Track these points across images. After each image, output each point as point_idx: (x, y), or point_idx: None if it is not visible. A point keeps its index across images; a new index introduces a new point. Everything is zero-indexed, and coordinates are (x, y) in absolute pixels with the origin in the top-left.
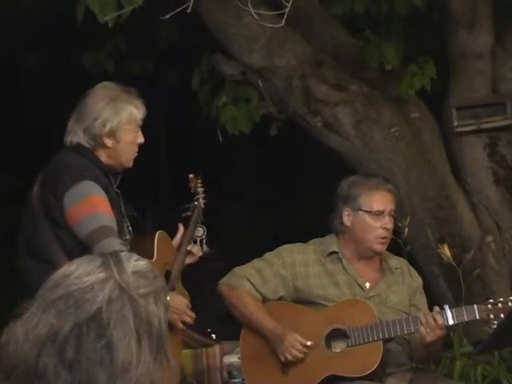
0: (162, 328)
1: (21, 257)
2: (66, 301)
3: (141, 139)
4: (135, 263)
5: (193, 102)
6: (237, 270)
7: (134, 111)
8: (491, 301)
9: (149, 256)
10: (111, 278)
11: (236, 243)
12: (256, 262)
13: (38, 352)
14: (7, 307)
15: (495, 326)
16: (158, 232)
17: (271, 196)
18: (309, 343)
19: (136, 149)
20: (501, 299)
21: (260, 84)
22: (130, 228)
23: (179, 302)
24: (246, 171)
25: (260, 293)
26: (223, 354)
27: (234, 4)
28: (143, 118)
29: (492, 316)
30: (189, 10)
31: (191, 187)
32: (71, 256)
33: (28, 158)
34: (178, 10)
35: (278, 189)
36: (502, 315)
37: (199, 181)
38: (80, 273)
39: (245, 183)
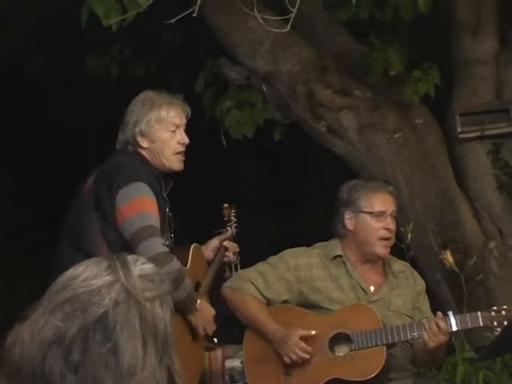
0: (167, 332)
1: (62, 247)
2: (72, 303)
3: (183, 139)
4: (141, 267)
5: (197, 106)
6: (241, 273)
7: (162, 112)
8: (495, 308)
9: (183, 264)
10: (118, 282)
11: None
12: (260, 266)
13: (44, 354)
14: (9, 310)
15: (498, 333)
16: (194, 244)
17: (273, 201)
18: (313, 332)
19: (178, 148)
20: (504, 306)
21: (264, 88)
22: (172, 235)
23: (208, 310)
24: (247, 176)
25: (264, 296)
26: (225, 357)
27: (238, 8)
28: (181, 119)
29: (495, 323)
30: (194, 15)
31: (225, 215)
32: (114, 252)
33: (29, 160)
34: (183, 14)
35: (280, 194)
36: (505, 322)
37: (233, 211)
38: (87, 276)
39: (246, 188)
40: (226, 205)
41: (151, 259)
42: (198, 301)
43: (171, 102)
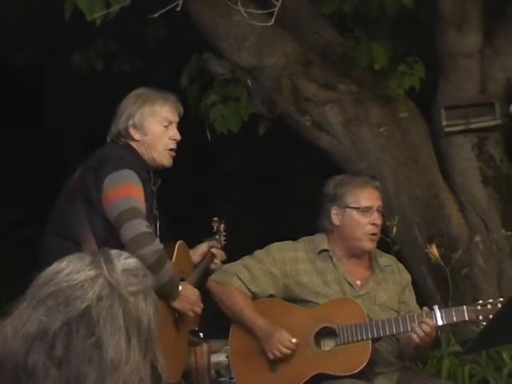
0: (151, 326)
1: (48, 237)
2: (55, 298)
3: (175, 135)
4: (125, 261)
5: (182, 101)
6: (226, 266)
7: (156, 107)
8: (480, 302)
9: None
10: (101, 276)
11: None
12: (246, 260)
13: (27, 349)
14: None
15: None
16: (180, 241)
17: (258, 196)
18: (294, 340)
19: (169, 145)
20: (490, 300)
21: (249, 83)
22: (158, 229)
23: (191, 292)
24: (233, 171)
25: (250, 290)
26: (211, 352)
27: (223, 2)
28: (173, 115)
29: (481, 317)
30: (178, 9)
31: (214, 227)
32: (99, 238)
33: (14, 157)
34: (167, 9)
35: (265, 188)
36: (490, 316)
37: (223, 224)
38: (70, 270)
39: (232, 183)
40: (215, 218)
41: (134, 239)
42: (180, 287)
43: (165, 98)
